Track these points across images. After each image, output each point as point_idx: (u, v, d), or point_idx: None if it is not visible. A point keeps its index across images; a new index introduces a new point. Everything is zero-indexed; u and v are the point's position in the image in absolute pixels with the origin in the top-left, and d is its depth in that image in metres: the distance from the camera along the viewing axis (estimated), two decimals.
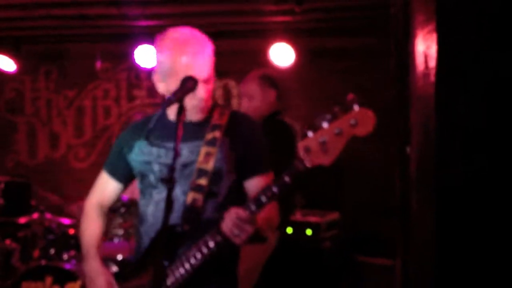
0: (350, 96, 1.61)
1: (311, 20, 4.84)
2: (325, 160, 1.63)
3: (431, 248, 1.22)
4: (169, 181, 1.61)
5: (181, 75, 1.82)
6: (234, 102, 5.79)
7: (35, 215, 3.76)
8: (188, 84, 1.80)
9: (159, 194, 1.95)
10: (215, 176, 1.91)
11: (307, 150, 1.64)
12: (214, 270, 1.91)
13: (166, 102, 1.75)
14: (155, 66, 2.01)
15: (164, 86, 1.97)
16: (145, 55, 5.10)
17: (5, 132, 5.98)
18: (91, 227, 2.12)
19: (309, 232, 4.05)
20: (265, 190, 1.72)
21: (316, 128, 1.63)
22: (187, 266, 1.84)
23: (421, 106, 0.90)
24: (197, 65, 1.90)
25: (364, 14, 4.69)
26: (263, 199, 1.71)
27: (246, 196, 1.95)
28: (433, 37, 0.83)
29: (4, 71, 5.46)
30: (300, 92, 5.22)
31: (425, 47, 0.88)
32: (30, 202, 3.99)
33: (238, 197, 1.94)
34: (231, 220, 1.72)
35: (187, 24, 5.39)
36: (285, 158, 1.82)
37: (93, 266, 2.02)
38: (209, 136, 1.95)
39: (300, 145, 1.65)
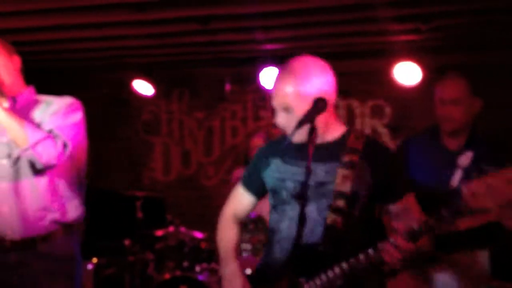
0: None
1: (437, 38, 4.73)
2: (489, 204, 1.62)
3: None
4: (301, 197, 1.71)
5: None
6: (358, 122, 5.80)
7: (171, 229, 4.00)
8: (319, 104, 1.90)
9: (292, 211, 2.02)
10: (352, 198, 1.95)
11: (473, 192, 1.65)
12: None
13: (299, 123, 1.88)
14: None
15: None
16: (270, 77, 5.27)
17: (143, 151, 6.43)
18: (229, 233, 2.26)
19: None
20: (423, 222, 1.79)
21: (484, 172, 1.67)
22: (326, 284, 1.89)
23: None
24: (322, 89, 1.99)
25: (491, 29, 4.51)
26: (418, 228, 1.79)
27: (375, 217, 2.03)
28: None
29: (143, 95, 5.91)
30: (427, 111, 5.11)
31: None
32: (165, 216, 4.26)
33: (370, 218, 2.04)
34: (392, 246, 1.80)
35: (309, 46, 5.55)
36: None
37: (231, 268, 2.14)
38: (346, 158, 1.99)
39: (467, 186, 1.68)
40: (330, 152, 2.02)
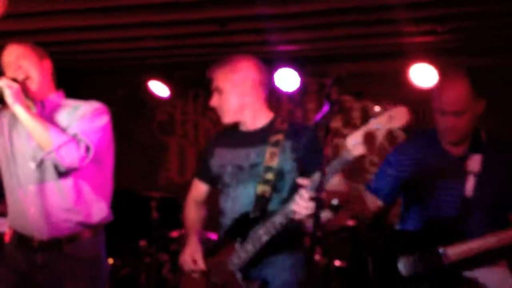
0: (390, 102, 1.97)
1: (453, 40, 4.71)
2: (367, 150, 1.99)
3: None
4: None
5: None
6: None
7: None
8: (335, 108, 1.96)
9: (234, 192, 2.44)
10: (279, 171, 2.32)
11: (353, 143, 1.99)
12: (283, 245, 2.32)
13: (316, 125, 2.02)
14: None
15: None
16: (284, 79, 5.28)
17: (158, 152, 6.48)
18: (191, 216, 2.70)
19: None
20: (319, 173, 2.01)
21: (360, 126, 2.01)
22: (256, 243, 2.26)
23: None
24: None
25: (509, 32, 4.47)
26: (317, 179, 2.03)
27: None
28: None
29: (158, 96, 5.94)
30: None
31: None
32: (180, 217, 4.28)
33: (296, 187, 2.26)
34: (298, 196, 2.11)
35: (325, 48, 5.53)
36: None
37: (188, 239, 2.57)
38: (273, 138, 2.38)
39: (348, 139, 2.02)
40: (260, 137, 2.42)
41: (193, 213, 2.72)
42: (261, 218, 2.30)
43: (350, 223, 4.66)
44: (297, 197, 2.10)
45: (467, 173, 2.42)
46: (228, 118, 2.48)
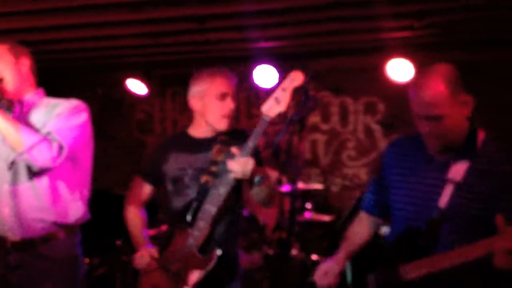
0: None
1: (430, 35, 4.75)
2: (280, 108, 2.40)
3: None
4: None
5: None
6: (351, 119, 5.81)
7: (163, 227, 3.99)
8: (310, 103, 1.97)
9: (193, 192, 2.59)
10: (223, 165, 2.48)
11: (267, 108, 2.43)
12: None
13: (289, 121, 1.95)
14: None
15: None
16: (263, 75, 5.29)
17: (136, 150, 6.44)
18: (135, 218, 2.79)
19: None
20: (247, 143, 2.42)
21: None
22: (207, 218, 2.46)
23: None
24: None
25: (485, 26, 4.53)
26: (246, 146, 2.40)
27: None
28: None
29: (136, 94, 5.90)
30: None
31: None
32: (157, 216, 4.25)
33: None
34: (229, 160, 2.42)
35: (303, 44, 5.54)
36: None
37: (139, 241, 2.73)
38: (222, 138, 2.63)
39: (263, 107, 2.44)
40: (212, 142, 2.65)
41: (137, 216, 2.81)
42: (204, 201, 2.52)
43: (328, 218, 4.68)
44: (231, 161, 2.40)
45: (446, 181, 2.09)
46: (230, 125, 2.69)
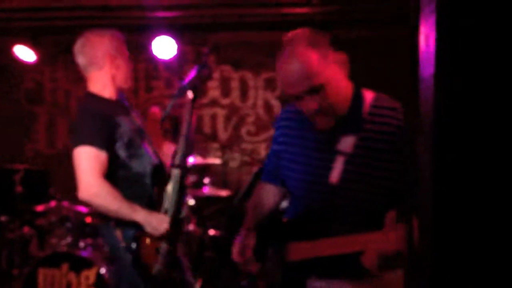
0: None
1: (329, 12, 4.81)
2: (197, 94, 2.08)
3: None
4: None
5: None
6: (251, 94, 5.80)
7: (53, 203, 3.79)
8: (204, 72, 1.88)
9: (141, 151, 2.61)
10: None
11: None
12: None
13: (181, 88, 1.85)
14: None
15: None
16: (163, 47, 5.13)
17: (25, 122, 6.05)
18: (116, 192, 2.48)
19: None
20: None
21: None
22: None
23: (423, 88, 0.89)
24: None
25: (383, 5, 4.65)
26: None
27: None
28: (433, 19, 0.82)
29: (24, 61, 5.52)
30: None
31: (427, 28, 0.87)
32: (48, 191, 4.03)
33: None
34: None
35: (202, 15, 5.41)
36: None
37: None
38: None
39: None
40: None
41: (115, 189, 2.50)
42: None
43: (226, 193, 4.67)
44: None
45: (337, 153, 1.86)
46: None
